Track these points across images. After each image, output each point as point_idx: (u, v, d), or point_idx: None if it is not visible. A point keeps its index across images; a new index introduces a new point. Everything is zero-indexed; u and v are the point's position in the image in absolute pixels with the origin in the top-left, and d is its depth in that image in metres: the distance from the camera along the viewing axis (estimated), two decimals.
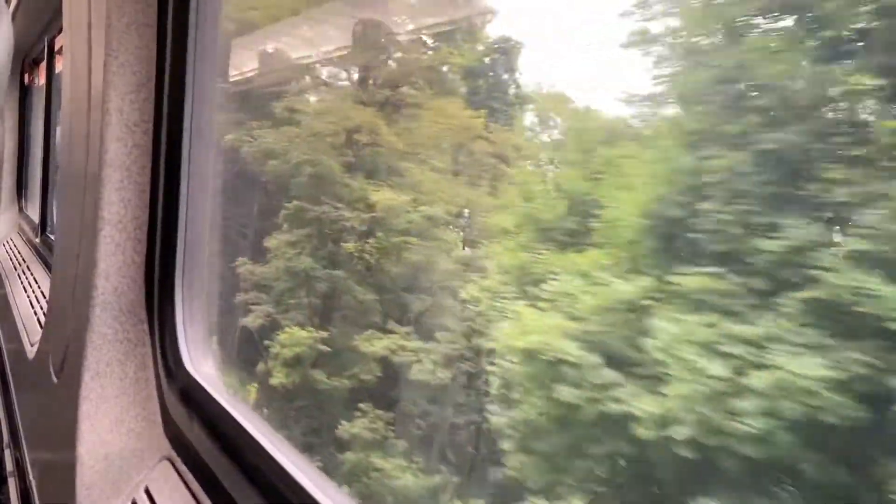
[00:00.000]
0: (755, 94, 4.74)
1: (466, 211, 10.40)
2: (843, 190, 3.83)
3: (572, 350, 5.21)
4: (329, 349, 9.64)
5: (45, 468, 2.05)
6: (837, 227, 4.15)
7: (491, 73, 10.84)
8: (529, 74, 10.68)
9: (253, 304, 10.44)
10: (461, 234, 10.52)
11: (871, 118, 4.14)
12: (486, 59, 10.83)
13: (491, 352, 7.48)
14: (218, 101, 1.70)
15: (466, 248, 10.27)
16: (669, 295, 4.80)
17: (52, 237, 3.90)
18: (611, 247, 5.72)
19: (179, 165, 1.59)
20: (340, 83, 11.87)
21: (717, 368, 4.06)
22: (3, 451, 2.82)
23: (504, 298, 7.13)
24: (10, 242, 5.27)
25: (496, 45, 10.79)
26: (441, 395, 8.86)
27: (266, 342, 9.99)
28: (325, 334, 9.77)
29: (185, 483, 1.41)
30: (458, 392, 8.88)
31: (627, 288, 5.15)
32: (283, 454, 1.17)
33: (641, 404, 4.57)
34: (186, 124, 1.58)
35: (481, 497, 7.69)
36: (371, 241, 10.24)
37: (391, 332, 9.56)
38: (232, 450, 1.26)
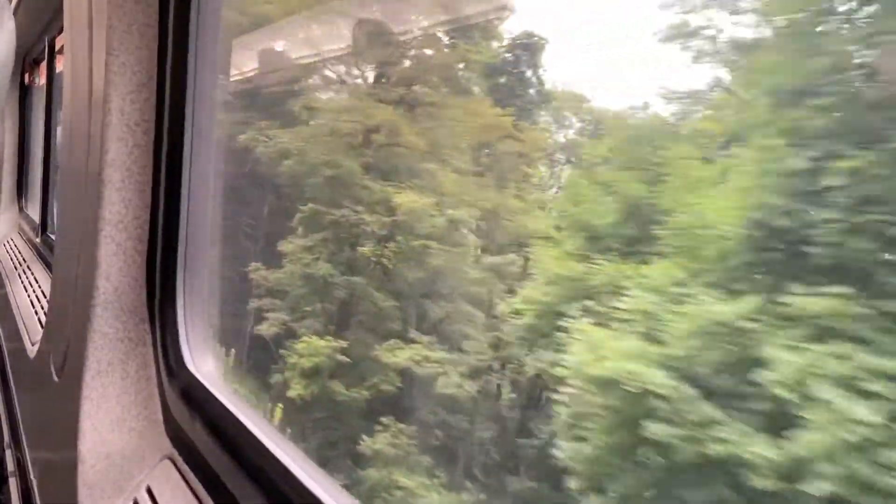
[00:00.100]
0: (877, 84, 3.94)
1: (494, 214, 9.75)
2: None
3: (662, 380, 4.48)
4: (348, 359, 9.16)
5: (46, 468, 2.05)
6: None
7: (514, 70, 10.41)
8: (556, 71, 10.17)
9: (267, 310, 10.01)
10: (488, 238, 9.89)
11: None
12: (508, 56, 10.38)
13: (552, 375, 6.57)
14: (222, 100, 1.70)
15: (495, 254, 9.55)
16: (781, 318, 4.00)
17: (53, 237, 3.90)
18: (686, 258, 5.03)
19: (180, 165, 1.59)
20: (356, 81, 11.47)
21: (862, 410, 3.31)
22: (4, 450, 2.82)
23: (558, 314, 6.38)
24: (11, 242, 5.27)
25: (519, 42, 10.35)
26: (470, 411, 8.34)
27: (282, 351, 9.51)
28: (343, 343, 9.26)
29: (187, 482, 1.41)
30: (491, 408, 8.37)
31: (726, 308, 4.35)
32: (284, 453, 1.17)
33: (756, 448, 3.79)
34: (187, 124, 1.58)
35: None
36: (391, 245, 9.77)
37: (413, 341, 9.07)
38: (233, 449, 1.26)
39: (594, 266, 6.11)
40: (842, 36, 4.24)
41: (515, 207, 9.51)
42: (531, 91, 10.48)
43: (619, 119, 8.26)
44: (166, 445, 1.56)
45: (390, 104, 10.23)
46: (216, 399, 1.41)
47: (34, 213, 5.25)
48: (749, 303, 4.23)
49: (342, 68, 11.28)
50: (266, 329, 9.85)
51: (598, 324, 5.53)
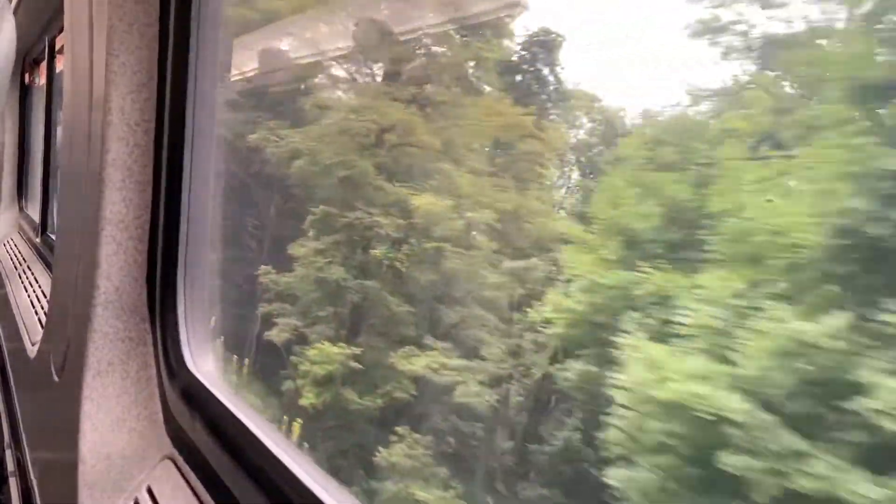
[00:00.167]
0: None
1: (514, 216, 9.29)
2: None
3: (736, 405, 3.99)
4: (362, 367, 8.82)
5: (46, 468, 2.05)
6: None
7: (530, 68, 10.07)
8: (575, 69, 9.80)
9: (277, 315, 9.68)
10: (508, 242, 9.40)
11: None
12: (525, 53, 10.06)
13: (584, 388, 6.25)
14: (229, 99, 1.70)
15: (516, 259, 9.05)
16: (878, 338, 3.49)
17: (53, 237, 3.90)
18: (746, 267, 4.54)
19: (181, 165, 1.59)
20: (367, 80, 11.19)
21: None
22: (4, 450, 2.82)
23: (595, 324, 5.92)
24: (11, 242, 5.27)
25: (535, 39, 10.00)
26: (489, 421, 7.99)
27: (293, 358, 9.17)
28: (357, 350, 8.92)
29: (188, 482, 1.41)
30: (512, 419, 8.04)
31: (810, 326, 3.82)
32: (285, 453, 1.17)
33: (854, 486, 3.33)
34: (188, 124, 1.58)
35: None
36: (407, 248, 9.44)
37: (429, 348, 8.71)
38: (234, 449, 1.26)
39: (639, 274, 5.60)
40: None
41: (536, 209, 9.18)
42: (549, 89, 10.18)
43: (647, 118, 7.90)
44: (167, 445, 1.56)
45: (404, 103, 9.96)
46: (217, 399, 1.41)
47: (34, 212, 5.25)
48: (838, 319, 3.71)
49: (352, 67, 11.04)
50: (277, 335, 9.56)
51: (654, 339, 4.99)
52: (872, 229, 3.76)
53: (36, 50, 5.37)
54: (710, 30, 5.53)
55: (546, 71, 10.04)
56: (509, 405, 8.08)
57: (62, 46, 4.52)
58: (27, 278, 3.79)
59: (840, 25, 4.62)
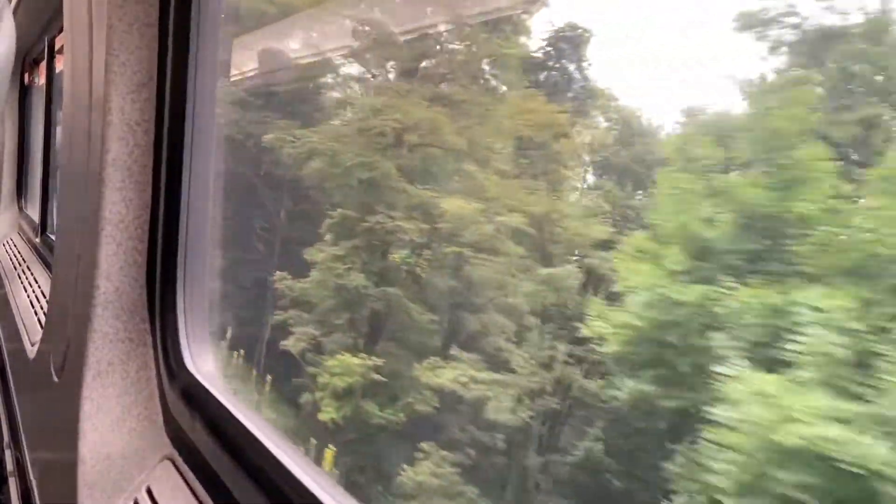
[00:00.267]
0: None
1: (546, 221, 8.73)
2: None
3: (885, 454, 3.28)
4: (384, 379, 8.33)
5: (46, 468, 2.05)
6: None
7: (556, 65, 9.64)
8: (606, 64, 9.27)
9: (294, 324, 9.18)
10: (540, 247, 8.86)
11: None
12: (550, 50, 9.63)
13: (658, 416, 5.48)
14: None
15: (550, 265, 8.51)
16: None
17: (53, 237, 3.90)
18: (852, 283, 3.91)
19: (181, 165, 1.59)
20: (386, 77, 10.70)
21: None
22: (3, 451, 2.82)
23: (663, 343, 5.17)
24: (10, 242, 5.26)
25: (561, 34, 9.58)
26: (522, 439, 7.36)
27: (311, 369, 8.65)
28: (379, 361, 8.44)
29: (187, 483, 1.41)
30: (549, 438, 7.42)
31: None
32: (285, 453, 1.17)
33: None
34: (188, 123, 1.58)
35: None
36: (430, 254, 8.92)
37: (456, 359, 8.17)
38: (234, 449, 1.26)
39: (719, 289, 4.93)
40: None
41: (570, 212, 8.68)
42: (577, 87, 9.76)
43: (691, 116, 7.35)
44: (166, 446, 1.56)
45: (426, 101, 9.50)
46: (216, 399, 1.41)
47: (34, 212, 5.24)
48: None
49: (369, 64, 10.67)
50: (293, 344, 9.12)
51: (757, 366, 4.24)
52: None
53: (36, 50, 5.36)
54: (758, 22, 5.12)
55: (573, 68, 9.69)
56: (545, 423, 7.52)
57: (62, 46, 4.52)
58: (27, 278, 3.79)
59: None
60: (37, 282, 3.57)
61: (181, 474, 1.44)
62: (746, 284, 4.82)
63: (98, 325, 1.60)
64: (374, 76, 10.97)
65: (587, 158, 9.50)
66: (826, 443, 3.46)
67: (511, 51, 9.69)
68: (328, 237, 9.60)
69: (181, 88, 1.58)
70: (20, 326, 2.96)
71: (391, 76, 10.63)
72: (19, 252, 4.70)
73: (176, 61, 1.58)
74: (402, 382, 8.34)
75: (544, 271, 8.51)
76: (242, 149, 10.22)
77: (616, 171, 9.12)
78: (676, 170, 7.21)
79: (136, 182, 1.62)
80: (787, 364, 4.05)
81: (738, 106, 6.34)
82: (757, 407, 3.96)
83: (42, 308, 3.02)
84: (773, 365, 4.16)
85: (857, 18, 4.72)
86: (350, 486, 7.67)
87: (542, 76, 9.86)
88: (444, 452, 7.40)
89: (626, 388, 6.10)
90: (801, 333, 4.06)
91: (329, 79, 11.35)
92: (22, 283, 3.76)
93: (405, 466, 7.34)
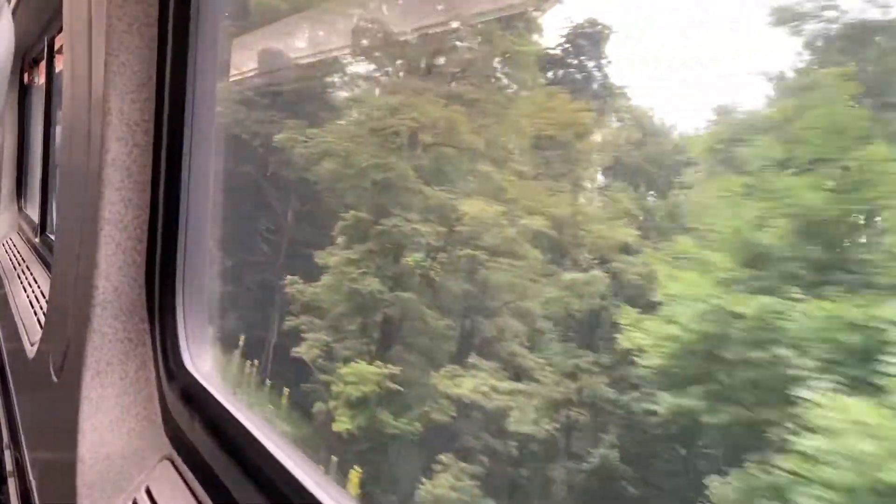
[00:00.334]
0: None
1: (569, 223, 8.34)
2: None
3: None
4: (401, 388, 7.99)
5: (45, 468, 2.05)
6: None
7: (573, 62, 9.31)
8: (629, 61, 8.84)
9: (306, 329, 8.82)
10: (562, 251, 8.51)
11: None
12: (568, 46, 9.26)
13: (701, 433, 5.07)
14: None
15: (573, 270, 8.05)
16: None
17: (52, 237, 3.90)
18: None
19: (180, 165, 1.59)
20: (398, 75, 10.33)
21: None
22: (3, 451, 2.82)
23: (715, 358, 4.63)
24: (10, 242, 5.26)
25: (580, 31, 9.24)
26: (548, 452, 6.96)
27: (323, 376, 8.30)
28: (395, 370, 8.10)
29: (186, 483, 1.41)
30: (578, 451, 6.97)
31: None
32: (284, 453, 1.17)
33: None
34: (187, 124, 1.58)
35: None
36: (447, 258, 8.55)
37: (475, 367, 7.81)
38: (233, 449, 1.26)
39: (780, 300, 4.30)
40: None
41: (594, 215, 8.27)
42: (595, 84, 9.40)
43: (724, 114, 6.79)
44: (165, 446, 1.56)
45: (443, 99, 9.14)
46: (215, 400, 1.41)
47: (33, 212, 5.24)
48: None
49: (381, 62, 10.36)
50: (306, 351, 8.78)
51: (846, 391, 3.69)
52: None
53: (35, 49, 5.36)
54: (793, 17, 4.78)
55: (592, 65, 9.34)
56: (573, 435, 7.15)
57: (61, 46, 4.52)
58: (26, 278, 3.79)
59: None
60: (36, 282, 3.57)
61: (180, 474, 1.44)
62: (814, 296, 4.24)
63: (97, 324, 1.60)
64: (386, 74, 10.65)
65: (609, 158, 9.06)
66: None
67: (527, 48, 9.36)
68: (340, 240, 9.32)
69: (181, 88, 1.58)
70: (19, 326, 2.96)
71: (404, 74, 10.30)
72: (19, 252, 4.70)
73: (175, 61, 1.58)
74: (418, 391, 8.06)
75: (568, 276, 8.16)
76: (249, 148, 10.07)
77: (640, 172, 8.68)
78: (709, 170, 6.98)
79: (136, 182, 1.62)
80: (881, 389, 3.57)
81: (772, 104, 5.98)
82: (855, 438, 3.42)
83: (41, 308, 3.02)
84: (862, 389, 3.69)
85: None
86: (366, 497, 7.35)
87: (559, 73, 9.54)
88: (463, 464, 7.08)
89: (665, 402, 5.65)
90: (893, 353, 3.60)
91: (339, 77, 11.11)
92: (21, 282, 3.76)
93: (423, 479, 7.04)
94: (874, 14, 4.70)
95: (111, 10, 1.55)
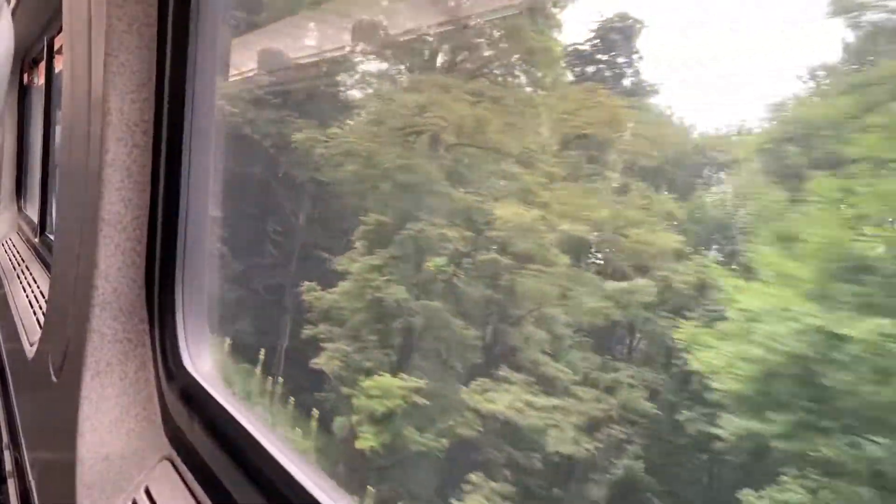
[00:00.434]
0: None
1: (612, 229, 7.78)
2: None
3: None
4: (428, 402, 7.50)
5: (44, 468, 2.04)
6: None
7: (604, 57, 8.86)
8: (668, 55, 8.19)
9: (325, 339, 8.32)
10: (605, 259, 7.98)
11: None
12: (598, 41, 8.85)
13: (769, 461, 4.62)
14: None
15: (618, 279, 7.51)
16: None
17: (52, 237, 3.90)
18: None
19: (180, 165, 1.59)
20: (419, 71, 9.81)
21: None
22: (2, 451, 2.82)
23: (809, 384, 4.04)
24: (10, 242, 5.26)
25: (610, 25, 8.86)
26: (587, 473, 6.53)
27: (344, 389, 7.84)
28: (421, 383, 7.59)
29: (186, 483, 1.40)
30: (623, 474, 6.53)
31: None
32: (283, 454, 1.17)
33: None
34: (187, 124, 1.58)
35: None
36: (470, 263, 8.03)
37: (507, 381, 7.32)
38: (232, 450, 1.26)
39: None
40: None
41: (636, 219, 7.64)
42: (627, 81, 8.94)
43: (777, 111, 6.33)
44: (165, 446, 1.56)
45: (470, 97, 8.64)
46: (215, 400, 1.41)
47: (33, 213, 5.24)
48: None
49: (400, 59, 9.94)
50: (325, 363, 8.29)
51: None
52: None
53: (35, 50, 5.36)
54: (850, 7, 4.48)
55: (623, 60, 8.88)
56: (619, 456, 6.63)
57: (61, 46, 4.52)
58: (26, 279, 3.79)
59: None
60: (36, 282, 3.57)
61: (180, 475, 1.44)
62: None
63: (97, 325, 1.60)
64: (408, 70, 10.20)
65: (647, 159, 8.45)
66: None
67: (551, 43, 8.92)
68: (360, 245, 8.86)
69: (180, 89, 1.58)
70: (19, 326, 2.96)
71: (426, 72, 9.82)
72: (18, 252, 4.69)
73: (175, 61, 1.58)
74: (445, 405, 7.60)
75: (611, 285, 7.56)
76: (260, 149, 9.86)
77: (680, 173, 8.18)
78: (763, 171, 6.48)
79: (135, 182, 1.62)
80: None
81: (827, 101, 5.59)
82: None
83: (41, 308, 3.02)
84: None
85: None
86: None
87: (588, 69, 9.08)
88: (495, 485, 6.64)
89: (732, 426, 5.15)
90: None
91: (356, 76, 10.59)
92: (21, 283, 3.76)
93: (452, 501, 6.69)
94: None
95: (111, 10, 1.55)
